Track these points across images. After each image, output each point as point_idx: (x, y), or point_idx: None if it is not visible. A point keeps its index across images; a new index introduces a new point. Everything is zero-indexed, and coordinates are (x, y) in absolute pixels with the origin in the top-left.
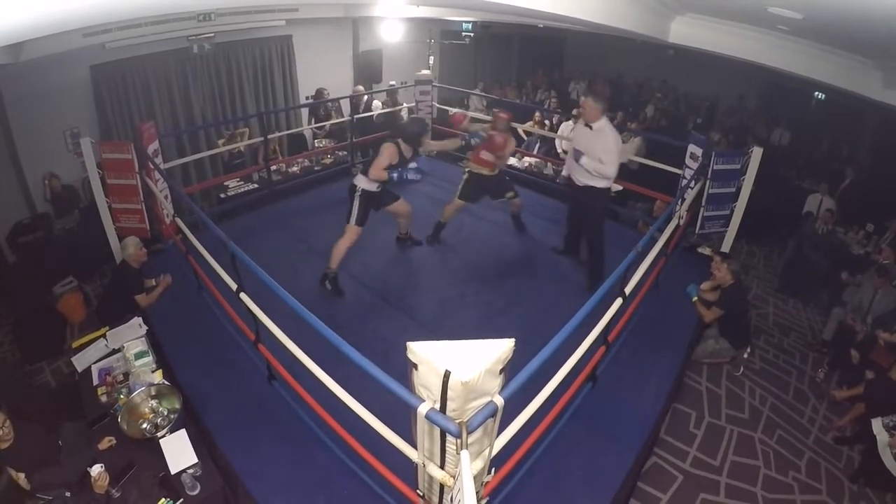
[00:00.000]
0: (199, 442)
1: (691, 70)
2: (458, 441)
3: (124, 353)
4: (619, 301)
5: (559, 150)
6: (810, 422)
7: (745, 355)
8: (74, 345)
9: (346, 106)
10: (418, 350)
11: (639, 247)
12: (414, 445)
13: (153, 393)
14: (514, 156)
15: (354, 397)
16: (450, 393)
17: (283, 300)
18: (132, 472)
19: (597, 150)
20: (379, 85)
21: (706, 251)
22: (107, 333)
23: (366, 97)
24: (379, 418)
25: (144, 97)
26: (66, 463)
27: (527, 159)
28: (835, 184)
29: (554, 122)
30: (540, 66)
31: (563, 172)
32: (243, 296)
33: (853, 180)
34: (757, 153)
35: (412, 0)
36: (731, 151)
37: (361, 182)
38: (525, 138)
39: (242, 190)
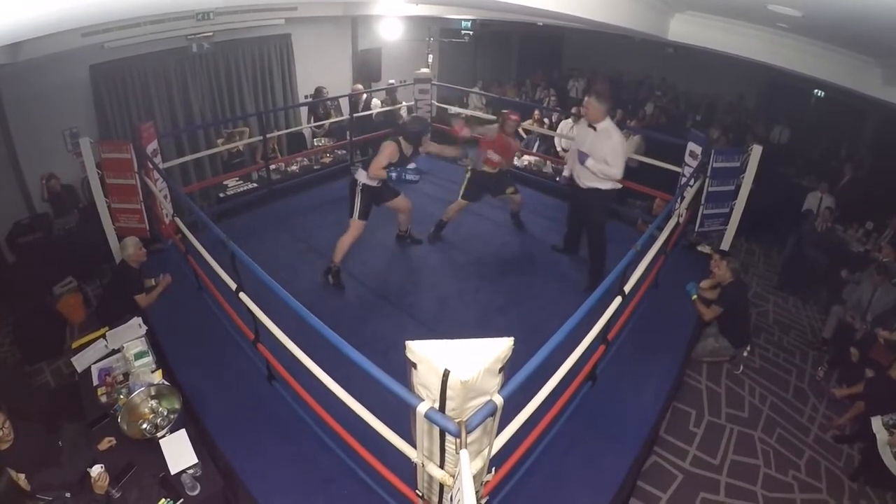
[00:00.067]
0: (199, 442)
1: (691, 68)
2: (458, 440)
3: (124, 354)
4: (618, 299)
5: (558, 149)
6: (810, 420)
7: (745, 354)
8: (74, 345)
9: (345, 104)
10: (417, 349)
11: (638, 245)
12: (413, 445)
13: (153, 393)
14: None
15: (354, 397)
16: (449, 392)
17: (283, 300)
18: (132, 472)
19: (602, 152)
20: (378, 83)
21: (706, 249)
22: (106, 334)
23: (365, 96)
24: (378, 418)
25: (143, 97)
26: (66, 463)
27: (526, 157)
28: (834, 181)
29: (553, 120)
30: (539, 64)
31: (564, 173)
32: (243, 295)
33: (852, 178)
34: (756, 151)
35: None
36: (730, 149)
37: (362, 177)
38: (524, 137)
39: (242, 189)
